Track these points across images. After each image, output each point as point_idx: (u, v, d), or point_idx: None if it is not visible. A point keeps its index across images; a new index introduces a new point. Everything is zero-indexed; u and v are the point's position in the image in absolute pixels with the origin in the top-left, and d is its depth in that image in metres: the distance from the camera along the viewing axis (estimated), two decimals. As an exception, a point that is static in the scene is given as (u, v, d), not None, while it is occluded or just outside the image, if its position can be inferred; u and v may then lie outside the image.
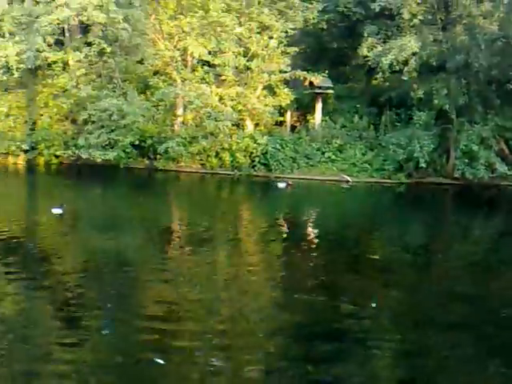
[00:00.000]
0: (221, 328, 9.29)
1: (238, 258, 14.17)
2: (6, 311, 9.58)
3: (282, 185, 25.70)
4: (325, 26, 32.09)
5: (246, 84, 30.25)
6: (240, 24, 30.23)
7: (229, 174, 28.81)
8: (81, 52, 30.10)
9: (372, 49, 29.53)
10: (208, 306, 10.25)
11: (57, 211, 16.57)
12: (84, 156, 28.46)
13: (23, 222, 17.29)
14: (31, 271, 11.77)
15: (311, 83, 30.86)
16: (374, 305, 10.42)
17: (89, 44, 30.35)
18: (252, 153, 28.90)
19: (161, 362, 7.90)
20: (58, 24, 29.72)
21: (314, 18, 31.46)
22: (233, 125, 28.99)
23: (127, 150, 28.84)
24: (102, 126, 28.91)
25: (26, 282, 11.02)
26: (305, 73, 30.54)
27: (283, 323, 9.64)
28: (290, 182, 26.04)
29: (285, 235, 17.01)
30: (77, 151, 28.97)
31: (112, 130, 28.68)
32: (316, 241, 16.48)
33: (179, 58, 29.94)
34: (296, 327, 9.52)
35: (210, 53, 29.63)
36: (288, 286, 11.79)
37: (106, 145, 28.65)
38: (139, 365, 7.98)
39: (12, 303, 10.01)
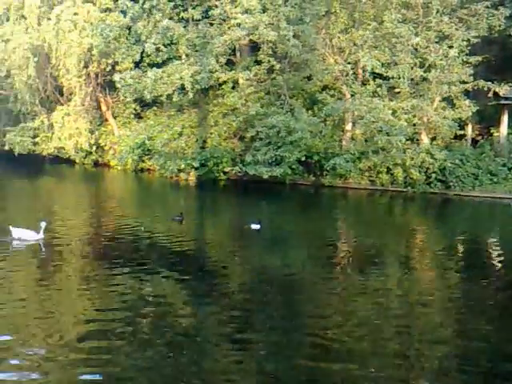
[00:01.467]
0: (395, 357, 8.54)
1: (409, 281, 12.91)
2: (175, 317, 9.75)
3: None
4: (512, 33, 29.09)
5: (421, 96, 28.12)
6: (417, 34, 28.33)
7: (401, 191, 26.98)
8: (250, 70, 30.19)
9: None
10: (379, 332, 9.49)
11: (255, 227, 17.19)
12: (251, 172, 28.28)
13: (204, 237, 17.95)
14: (206, 286, 11.88)
15: (496, 94, 28.07)
16: None
17: (258, 62, 30.43)
18: (428, 169, 26.80)
19: None
20: (230, 44, 30.11)
21: (499, 25, 28.57)
22: (407, 139, 27.08)
23: (293, 167, 28.11)
24: (269, 143, 28.63)
25: (199, 298, 11.11)
26: (489, 83, 27.86)
27: (465, 357, 8.62)
28: None
29: (464, 258, 15.33)
30: (244, 168, 28.84)
31: (279, 147, 28.20)
32: (500, 266, 14.42)
33: (350, 72, 28.74)
34: (479, 362, 8.41)
35: (383, 65, 28.03)
36: (467, 316, 10.46)
37: (273, 161, 28.16)
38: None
39: (183, 318, 10.03)
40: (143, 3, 32.26)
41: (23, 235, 14.71)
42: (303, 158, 28.03)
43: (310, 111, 29.50)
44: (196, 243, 16.30)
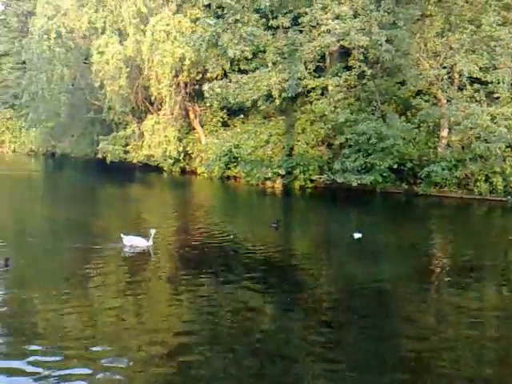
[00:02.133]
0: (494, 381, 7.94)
1: (508, 298, 12.05)
2: (262, 329, 9.68)
3: None
4: None
5: (523, 101, 26.57)
6: (518, 36, 26.83)
7: (500, 201, 25.42)
8: (340, 77, 29.60)
9: None
10: (477, 355, 8.85)
11: (357, 235, 17.01)
12: (339, 180, 27.58)
13: (298, 245, 17.68)
14: (296, 299, 11.57)
15: None
16: None
17: (348, 68, 29.80)
18: (530, 177, 25.11)
19: None
20: (319, 51, 29.66)
21: None
22: (507, 146, 25.60)
23: (384, 174, 27.13)
24: (359, 150, 27.88)
25: (287, 312, 10.76)
26: None
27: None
28: None
29: None
30: (332, 175, 28.18)
31: (369, 154, 27.41)
32: None
33: (445, 77, 27.57)
34: None
35: (481, 69, 26.70)
36: None
37: (362, 169, 27.37)
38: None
39: (267, 323, 10.11)
40: (227, 18, 32.30)
41: (134, 242, 14.96)
42: (395, 166, 26.98)
43: (402, 117, 28.46)
44: (289, 252, 15.98)
